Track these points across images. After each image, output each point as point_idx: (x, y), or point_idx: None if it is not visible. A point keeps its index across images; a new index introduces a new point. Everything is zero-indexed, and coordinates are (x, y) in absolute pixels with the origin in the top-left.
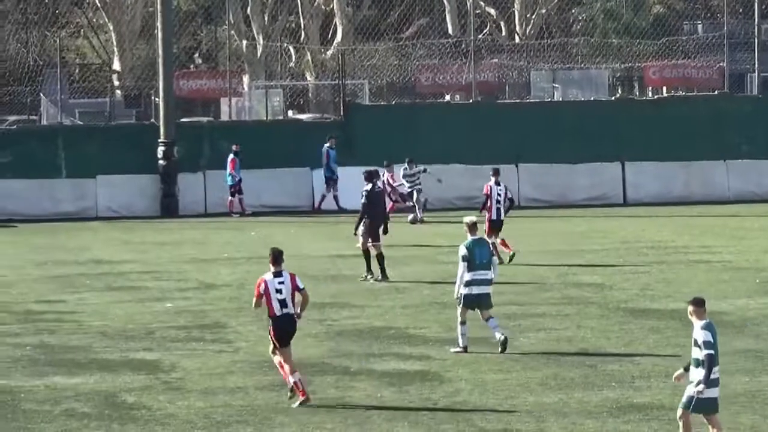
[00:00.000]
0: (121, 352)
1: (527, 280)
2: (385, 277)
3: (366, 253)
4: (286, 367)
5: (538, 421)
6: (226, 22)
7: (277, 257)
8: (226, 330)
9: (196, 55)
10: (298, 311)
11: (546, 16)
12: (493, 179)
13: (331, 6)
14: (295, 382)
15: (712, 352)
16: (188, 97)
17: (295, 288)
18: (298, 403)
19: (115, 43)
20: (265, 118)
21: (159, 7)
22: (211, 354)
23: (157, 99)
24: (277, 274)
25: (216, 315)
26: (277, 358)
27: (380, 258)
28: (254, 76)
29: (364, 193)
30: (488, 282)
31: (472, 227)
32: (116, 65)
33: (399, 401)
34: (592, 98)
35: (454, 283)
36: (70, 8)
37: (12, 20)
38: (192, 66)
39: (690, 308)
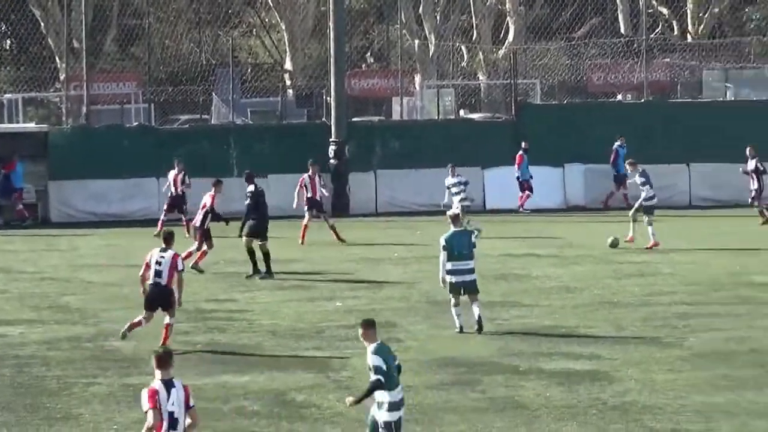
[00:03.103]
0: (291, 350)
1: (699, 280)
2: (270, 274)
3: (251, 252)
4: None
5: (707, 421)
6: (398, 22)
7: (167, 238)
8: (396, 329)
9: (368, 54)
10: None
11: (719, 14)
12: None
13: (504, 5)
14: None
15: (380, 378)
16: (360, 96)
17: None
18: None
19: (287, 42)
20: (436, 118)
21: (331, 6)
22: None
23: (328, 98)
24: (164, 249)
25: (386, 314)
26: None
27: (267, 256)
28: (426, 75)
29: (248, 195)
30: (469, 271)
31: (455, 219)
32: (288, 65)
33: (568, 401)
34: (764, 98)
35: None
36: (243, 8)
37: (185, 19)
38: (364, 65)
39: (360, 331)
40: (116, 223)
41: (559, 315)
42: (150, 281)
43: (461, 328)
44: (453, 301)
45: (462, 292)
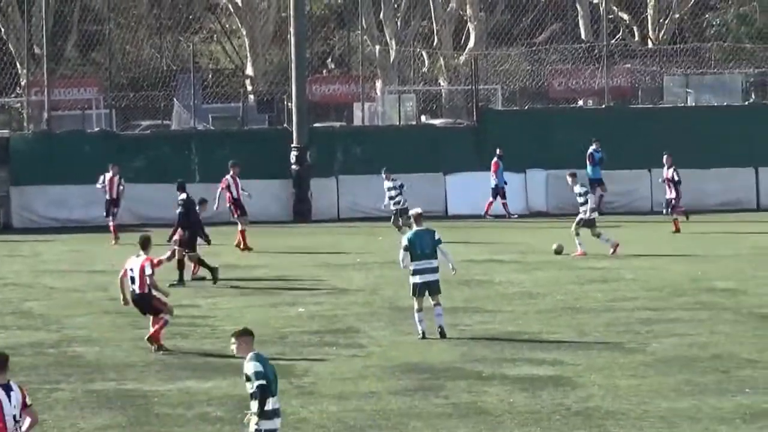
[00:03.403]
0: None
1: (661, 286)
2: (181, 282)
3: (180, 263)
4: None
5: (671, 427)
6: (359, 27)
7: (144, 243)
8: (359, 335)
9: (329, 60)
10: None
11: (679, 20)
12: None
13: (465, 11)
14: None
15: (263, 382)
16: (321, 101)
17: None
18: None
19: (248, 48)
20: (398, 123)
21: (292, 12)
22: (344, 359)
23: (289, 104)
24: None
25: (349, 320)
26: None
27: (201, 262)
28: (387, 81)
29: (179, 203)
30: (432, 270)
31: (417, 218)
32: (249, 70)
33: (531, 406)
34: (725, 103)
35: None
36: (204, 13)
37: (146, 25)
38: (325, 71)
39: (233, 342)
40: (78, 229)
41: (522, 321)
42: (130, 288)
43: (423, 333)
44: (416, 306)
45: (425, 293)
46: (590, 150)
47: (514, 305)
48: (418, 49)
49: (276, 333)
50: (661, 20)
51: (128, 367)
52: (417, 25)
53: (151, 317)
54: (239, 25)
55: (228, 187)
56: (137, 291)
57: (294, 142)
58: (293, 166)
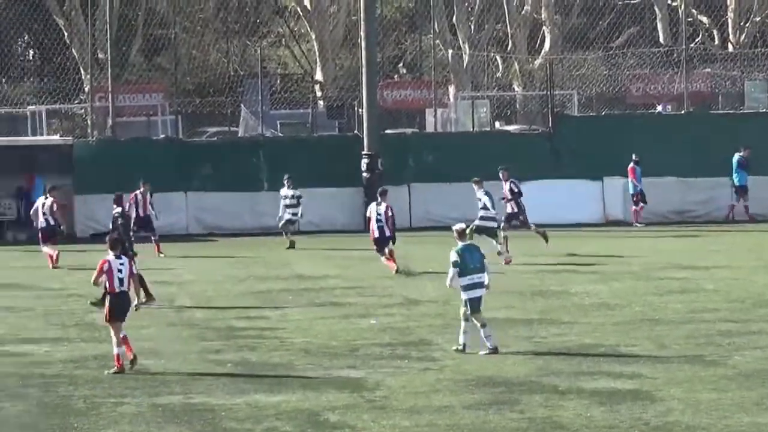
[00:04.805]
0: (324, 369)
1: (743, 297)
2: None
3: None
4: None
5: None
6: (432, 31)
7: (113, 244)
8: (432, 347)
9: (401, 64)
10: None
11: (760, 23)
12: (378, 199)
13: (540, 14)
14: (116, 354)
15: None
16: (392, 107)
17: (131, 272)
18: (112, 371)
19: (317, 52)
20: (471, 130)
21: (362, 15)
22: (416, 372)
23: (360, 110)
24: (118, 256)
25: (421, 332)
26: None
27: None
28: (460, 86)
29: (115, 216)
30: (482, 285)
31: (461, 234)
32: (318, 75)
33: (609, 421)
34: None
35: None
36: (272, 17)
37: (212, 29)
38: (396, 76)
39: None
40: (144, 239)
41: (599, 333)
42: (116, 290)
43: (465, 346)
44: (464, 317)
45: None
46: (736, 157)
47: (590, 317)
48: (492, 54)
49: (347, 345)
50: (741, 23)
51: (194, 381)
52: (491, 28)
53: (117, 338)
54: (308, 29)
55: (135, 204)
56: (127, 291)
57: (365, 149)
58: (364, 174)
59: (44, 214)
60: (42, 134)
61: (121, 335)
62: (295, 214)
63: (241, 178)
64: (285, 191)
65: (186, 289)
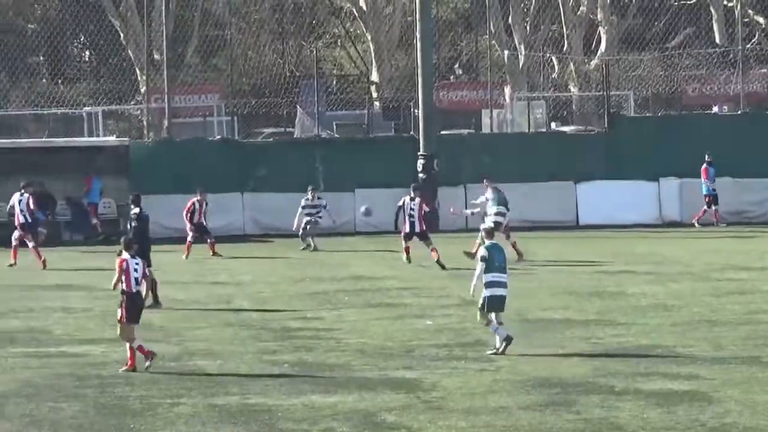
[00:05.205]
0: (380, 370)
1: None
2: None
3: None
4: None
5: None
6: (487, 32)
7: (128, 244)
8: (488, 348)
9: (456, 65)
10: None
11: None
12: (409, 195)
13: (595, 15)
14: (132, 347)
15: None
16: (448, 108)
17: (144, 273)
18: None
19: (373, 53)
20: (527, 131)
21: (418, 16)
22: (473, 373)
23: (416, 111)
24: (133, 256)
25: (477, 333)
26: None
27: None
28: (516, 87)
29: (132, 217)
30: (505, 284)
31: (489, 233)
32: (374, 76)
33: (666, 422)
34: None
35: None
36: (327, 18)
37: (268, 30)
38: (452, 77)
39: None
40: (200, 239)
41: (656, 334)
42: (132, 290)
43: (508, 336)
44: (485, 321)
45: (496, 309)
46: None
47: (647, 318)
48: (548, 54)
49: (403, 346)
50: None
51: (251, 381)
52: (546, 29)
53: (130, 343)
54: (364, 30)
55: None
56: (143, 293)
57: (421, 150)
58: (420, 175)
59: (21, 210)
60: (98, 135)
61: (138, 344)
62: (311, 215)
63: (297, 179)
64: (307, 200)
65: (242, 290)
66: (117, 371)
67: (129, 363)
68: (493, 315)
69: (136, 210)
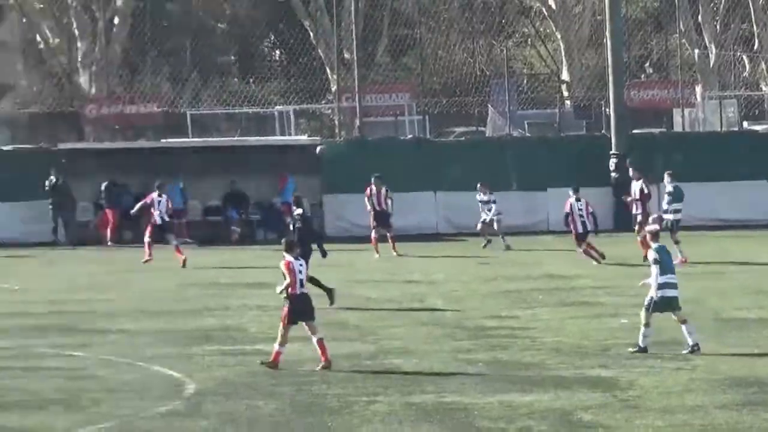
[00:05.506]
0: (576, 369)
1: None
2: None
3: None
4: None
5: None
6: (677, 31)
7: (290, 246)
8: (684, 347)
9: (647, 64)
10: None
11: None
12: (573, 197)
13: None
14: (278, 352)
15: None
16: (639, 107)
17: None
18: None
19: (563, 52)
20: (719, 130)
21: (607, 15)
22: (669, 371)
23: (607, 109)
24: (296, 258)
25: (673, 332)
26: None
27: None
28: (707, 86)
29: (296, 217)
30: (675, 286)
31: (655, 235)
32: (565, 75)
33: None
34: None
35: None
36: (517, 17)
37: (458, 29)
38: (643, 76)
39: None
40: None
41: None
42: (297, 292)
43: (645, 349)
44: (645, 321)
45: (666, 310)
46: None
47: None
48: (739, 53)
49: (598, 345)
50: None
51: (447, 379)
52: (736, 27)
53: (314, 334)
54: (553, 29)
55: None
56: (307, 292)
57: (612, 148)
58: (612, 174)
59: (160, 212)
60: (290, 134)
61: (316, 338)
62: (490, 210)
63: (489, 178)
64: (480, 197)
65: (436, 289)
66: (313, 369)
67: (273, 357)
68: (649, 317)
69: (299, 211)
